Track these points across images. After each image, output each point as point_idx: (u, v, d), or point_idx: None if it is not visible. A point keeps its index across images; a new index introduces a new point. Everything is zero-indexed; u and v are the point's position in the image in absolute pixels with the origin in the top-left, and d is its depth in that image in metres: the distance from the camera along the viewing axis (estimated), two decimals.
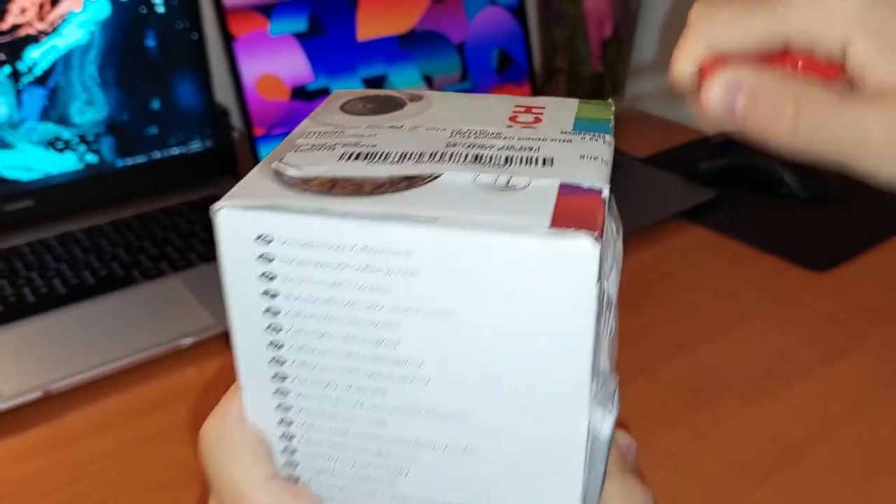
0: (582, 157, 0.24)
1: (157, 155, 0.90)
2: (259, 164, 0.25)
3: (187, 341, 0.66)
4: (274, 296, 0.23)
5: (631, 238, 0.77)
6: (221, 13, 0.85)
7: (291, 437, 0.26)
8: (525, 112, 0.28)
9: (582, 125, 0.27)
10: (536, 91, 1.06)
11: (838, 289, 0.78)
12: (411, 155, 0.24)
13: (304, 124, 0.28)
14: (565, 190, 0.22)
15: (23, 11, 0.80)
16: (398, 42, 0.96)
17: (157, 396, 0.63)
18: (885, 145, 0.26)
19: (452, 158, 0.24)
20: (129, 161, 0.88)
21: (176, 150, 0.91)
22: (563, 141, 0.25)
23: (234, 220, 0.22)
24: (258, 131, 0.88)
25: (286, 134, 1.05)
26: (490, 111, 0.28)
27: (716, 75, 0.27)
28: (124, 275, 0.75)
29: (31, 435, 0.59)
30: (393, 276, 0.22)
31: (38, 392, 0.61)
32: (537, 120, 0.27)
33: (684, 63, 0.29)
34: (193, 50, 0.89)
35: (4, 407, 0.60)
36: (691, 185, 0.96)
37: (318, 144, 0.26)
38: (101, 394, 0.63)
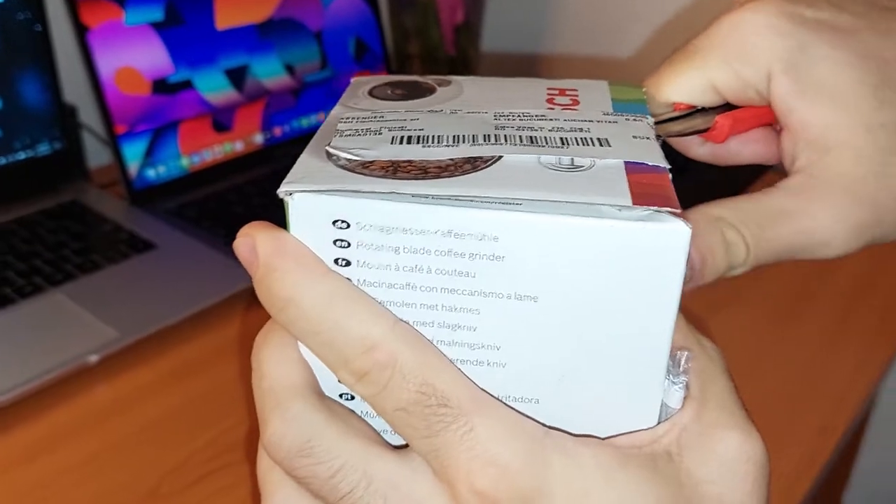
0: (634, 137, 0.24)
1: (0, 161, 0.81)
2: (307, 150, 0.23)
3: (94, 358, 0.60)
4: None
5: None
6: (72, 2, 0.78)
7: None
8: (560, 95, 0.28)
9: (620, 107, 0.27)
10: None
11: None
12: (464, 137, 0.24)
13: (337, 110, 0.27)
14: (631, 168, 0.22)
15: None
16: (258, 31, 0.92)
17: (71, 421, 0.57)
18: (830, 233, 0.28)
19: (508, 140, 0.24)
20: None
21: (22, 155, 0.82)
22: (609, 122, 0.25)
23: (309, 205, 0.21)
24: (120, 129, 0.82)
25: (150, 130, 0.98)
26: (525, 94, 0.28)
27: None
28: None
29: None
30: (477, 261, 0.21)
31: None
32: (575, 102, 0.27)
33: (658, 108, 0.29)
34: (37, 43, 0.81)
35: None
36: None
37: (362, 129, 0.25)
38: (7, 425, 0.56)
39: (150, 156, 0.85)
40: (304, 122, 0.97)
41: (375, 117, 0.26)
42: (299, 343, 0.23)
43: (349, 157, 0.23)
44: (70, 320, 0.64)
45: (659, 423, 0.23)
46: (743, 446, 0.22)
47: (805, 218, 0.28)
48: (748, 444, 0.22)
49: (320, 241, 0.22)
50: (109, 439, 0.55)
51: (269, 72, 0.94)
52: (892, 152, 0.27)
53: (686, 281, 0.22)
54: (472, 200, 0.21)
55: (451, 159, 0.23)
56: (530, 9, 1.20)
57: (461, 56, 1.10)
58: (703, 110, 0.30)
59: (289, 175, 0.22)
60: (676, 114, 0.29)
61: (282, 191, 0.21)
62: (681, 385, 0.23)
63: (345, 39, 1.02)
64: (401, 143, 0.23)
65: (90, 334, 0.63)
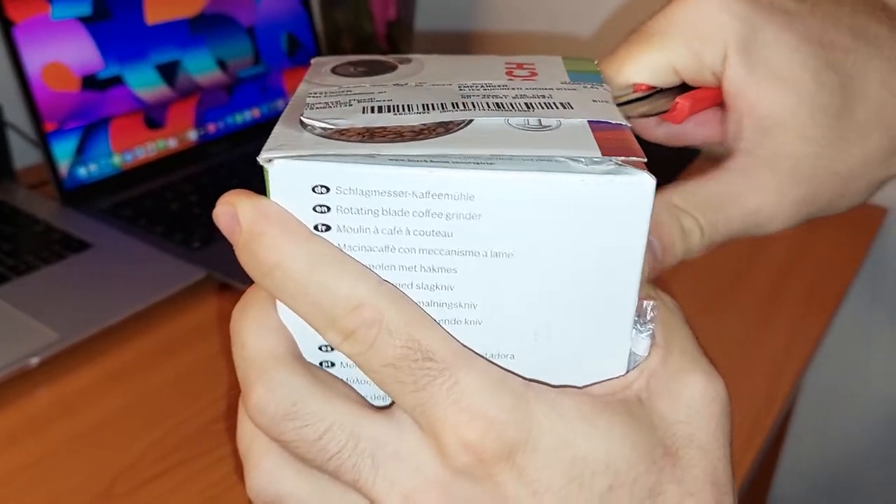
0: (594, 100, 0.25)
1: None
2: (280, 122, 0.24)
3: (34, 361, 0.59)
4: None
5: None
6: None
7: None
8: (518, 68, 0.29)
9: (577, 77, 0.28)
10: None
11: None
12: (434, 105, 0.24)
13: (303, 87, 0.27)
14: (595, 126, 0.23)
15: None
16: (189, 26, 0.91)
17: (14, 426, 0.55)
18: (772, 208, 0.29)
19: (476, 106, 0.24)
20: None
21: None
22: (569, 89, 0.26)
23: (290, 171, 0.22)
24: (49, 126, 0.80)
25: (80, 128, 0.97)
26: (484, 68, 0.28)
27: None
28: None
29: None
30: (454, 221, 0.22)
31: None
32: (533, 74, 0.28)
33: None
34: None
35: None
36: None
37: (331, 102, 0.25)
38: None
39: (80, 154, 0.82)
40: (238, 118, 0.96)
41: (343, 91, 0.26)
42: (280, 311, 0.23)
43: (324, 125, 0.23)
44: (7, 323, 0.62)
45: (628, 371, 0.24)
46: (707, 388, 0.24)
47: (752, 200, 0.29)
48: (711, 385, 0.24)
49: (301, 207, 0.22)
50: (56, 442, 0.54)
51: (201, 67, 0.92)
52: (830, 133, 0.29)
53: (650, 268, 0.23)
54: (448, 162, 0.22)
55: (424, 124, 0.23)
56: None
57: (394, 52, 1.10)
58: (660, 91, 0.31)
59: (267, 143, 0.22)
60: (638, 95, 0.30)
61: (262, 158, 0.22)
62: (648, 334, 0.24)
63: (277, 35, 1.01)
64: (372, 112, 0.24)
65: (29, 337, 0.61)
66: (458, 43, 1.23)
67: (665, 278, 0.76)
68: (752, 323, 0.71)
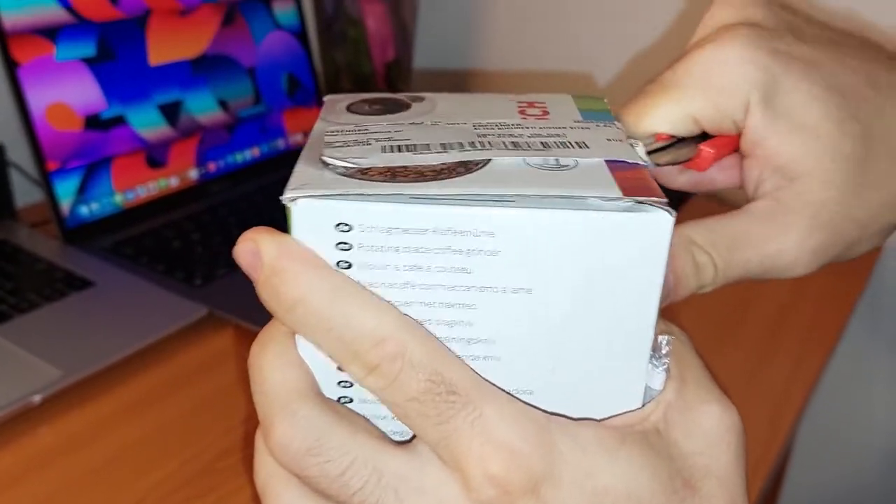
0: (608, 140, 0.26)
1: None
2: (300, 161, 0.24)
3: (37, 398, 0.59)
4: None
5: None
6: (1, 38, 0.76)
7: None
8: (530, 107, 0.29)
9: (588, 115, 0.28)
10: None
11: None
12: (452, 144, 0.25)
13: (320, 125, 0.27)
14: (613, 166, 0.24)
15: None
16: (191, 67, 0.92)
17: (16, 464, 0.55)
18: (796, 255, 0.30)
19: (493, 146, 0.25)
20: None
21: None
22: (582, 128, 0.27)
23: (313, 211, 0.22)
24: (52, 166, 0.80)
25: (83, 167, 0.97)
26: (496, 107, 0.29)
27: None
28: None
29: None
30: (474, 257, 0.22)
31: None
32: (545, 113, 0.28)
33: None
34: None
35: None
36: None
37: (350, 141, 0.25)
38: None
39: (82, 193, 0.83)
40: (239, 157, 0.97)
41: (360, 130, 0.26)
42: (299, 348, 0.23)
43: (346, 164, 0.23)
44: (9, 361, 0.62)
45: (644, 404, 0.24)
46: (722, 418, 0.24)
47: (771, 243, 0.29)
48: (727, 415, 0.24)
49: (323, 245, 0.22)
50: (59, 481, 0.54)
51: (203, 107, 0.93)
52: (853, 181, 0.29)
53: (662, 299, 0.24)
54: (468, 200, 0.22)
55: (444, 164, 0.23)
56: (456, 26, 1.23)
57: (393, 91, 1.12)
58: (682, 140, 0.31)
59: (290, 182, 0.22)
60: (661, 144, 0.31)
61: (286, 197, 0.22)
62: (663, 368, 0.24)
63: (277, 75, 1.02)
64: (392, 151, 0.24)
65: (32, 374, 0.61)
66: (456, 82, 1.24)
67: (669, 315, 0.76)
68: (752, 360, 0.71)
